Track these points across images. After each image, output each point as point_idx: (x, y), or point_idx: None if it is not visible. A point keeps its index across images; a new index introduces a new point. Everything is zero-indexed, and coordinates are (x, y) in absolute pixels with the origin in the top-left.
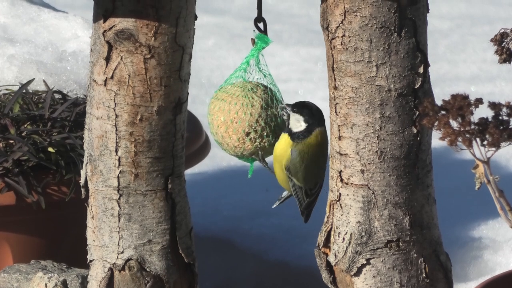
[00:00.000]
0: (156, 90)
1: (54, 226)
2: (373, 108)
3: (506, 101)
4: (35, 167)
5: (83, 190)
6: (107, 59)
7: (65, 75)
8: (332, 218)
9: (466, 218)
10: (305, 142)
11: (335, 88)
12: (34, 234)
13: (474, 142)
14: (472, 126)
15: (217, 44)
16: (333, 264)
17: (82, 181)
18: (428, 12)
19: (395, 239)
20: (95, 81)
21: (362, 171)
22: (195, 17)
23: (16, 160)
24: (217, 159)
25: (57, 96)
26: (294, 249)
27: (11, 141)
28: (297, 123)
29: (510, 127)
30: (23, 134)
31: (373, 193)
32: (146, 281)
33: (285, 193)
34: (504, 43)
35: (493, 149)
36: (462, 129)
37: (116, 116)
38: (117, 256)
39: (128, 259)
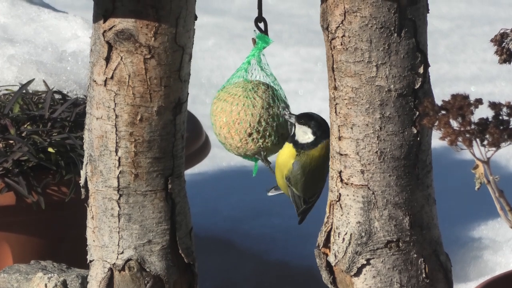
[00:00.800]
0: (156, 90)
1: (54, 226)
2: (373, 109)
3: (506, 101)
4: (35, 167)
5: (83, 190)
6: (107, 59)
7: (65, 75)
8: (332, 218)
9: (466, 218)
10: (309, 154)
11: (335, 88)
12: (34, 234)
13: (474, 142)
14: (472, 126)
15: (217, 44)
16: (333, 264)
17: (82, 182)
18: (428, 12)
19: (395, 240)
20: (95, 81)
21: (362, 171)
22: (195, 17)
23: (16, 160)
24: (217, 159)
25: (57, 96)
26: (294, 249)
27: (11, 141)
28: (305, 135)
29: (510, 127)
30: (23, 134)
31: (373, 193)
32: (146, 281)
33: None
34: (504, 43)
35: (493, 149)
36: (462, 129)
37: (116, 116)
38: (117, 256)
39: (128, 259)
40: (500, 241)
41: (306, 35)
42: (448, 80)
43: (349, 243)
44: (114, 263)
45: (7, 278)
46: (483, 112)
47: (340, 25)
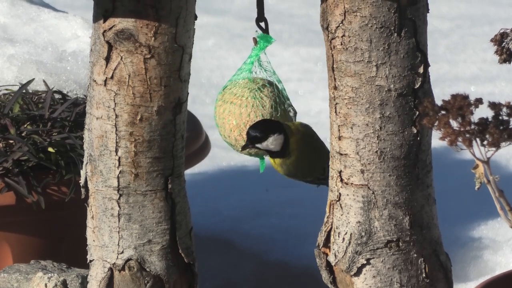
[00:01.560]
0: (156, 90)
1: (54, 226)
2: (373, 108)
3: (506, 101)
4: (35, 167)
5: (83, 190)
6: (107, 59)
7: (65, 75)
8: (332, 218)
9: (466, 218)
10: (292, 149)
11: (335, 88)
12: (34, 234)
13: (474, 142)
14: (472, 126)
15: (217, 44)
16: (333, 264)
17: (82, 181)
18: (428, 12)
19: (395, 239)
20: (95, 81)
21: (362, 171)
22: (195, 17)
23: (16, 160)
24: (217, 159)
25: (57, 96)
26: (294, 249)
27: (11, 141)
28: (271, 146)
29: (510, 127)
30: (23, 134)
31: (373, 193)
32: (146, 281)
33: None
34: (504, 43)
35: (493, 149)
36: (462, 129)
37: (116, 116)
38: (117, 256)
39: (128, 259)
40: (500, 241)
41: (306, 35)
42: (448, 80)
43: (349, 242)
44: (114, 263)
45: (7, 278)
46: (483, 112)
47: (340, 25)
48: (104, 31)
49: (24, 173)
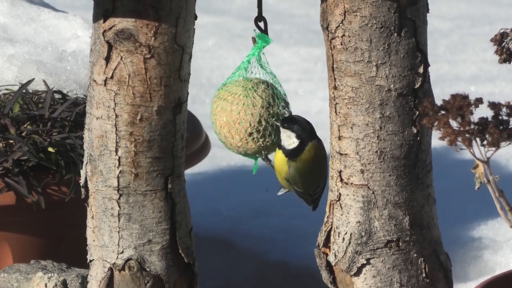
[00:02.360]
0: (156, 90)
1: (54, 226)
2: (373, 108)
3: (506, 101)
4: (35, 167)
5: (83, 190)
6: (107, 59)
7: (65, 75)
8: (332, 218)
9: (466, 218)
10: (300, 159)
11: (335, 88)
12: (34, 234)
13: (474, 142)
14: (472, 126)
15: (217, 44)
16: (333, 264)
17: (82, 181)
18: (428, 12)
19: (395, 239)
20: (95, 81)
21: (362, 171)
22: (195, 17)
23: (16, 160)
24: (217, 159)
25: (57, 96)
26: (294, 249)
27: (11, 141)
28: (289, 140)
29: (510, 127)
30: (23, 134)
31: (373, 193)
32: (146, 281)
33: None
34: (504, 43)
35: (493, 149)
36: (462, 129)
37: (116, 116)
38: (117, 256)
39: (128, 259)
40: (500, 241)
41: (306, 35)
42: (448, 80)
43: (349, 242)
44: (114, 262)
45: (7, 278)
46: (483, 112)
47: (340, 24)
48: (104, 31)
49: (24, 173)
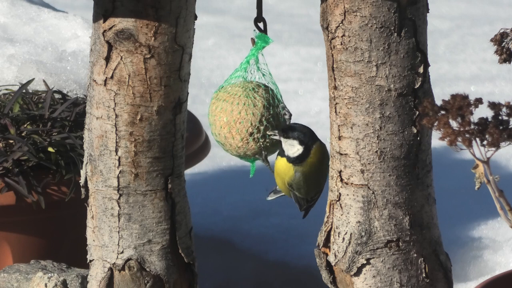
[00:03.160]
0: (156, 90)
1: (54, 226)
2: (373, 108)
3: (506, 101)
4: (35, 167)
5: (83, 190)
6: (107, 59)
7: (65, 75)
8: (332, 218)
9: (466, 218)
10: (307, 163)
11: (335, 88)
12: (34, 234)
13: (474, 142)
14: (472, 126)
15: (217, 44)
16: (333, 264)
17: (82, 181)
18: (428, 12)
19: (395, 239)
20: (95, 81)
21: (362, 171)
22: (195, 17)
23: (16, 160)
24: (217, 159)
25: (57, 96)
26: (293, 249)
27: (11, 141)
28: (293, 148)
29: (510, 127)
30: (23, 134)
31: (373, 193)
32: (146, 281)
33: (278, 187)
34: (504, 43)
35: (493, 149)
36: (462, 129)
37: (116, 116)
38: (117, 256)
39: (128, 259)
40: (500, 240)
41: (306, 35)
42: (448, 80)
43: (349, 242)
44: (114, 262)
45: (7, 278)
46: (483, 112)
47: (340, 24)
48: (104, 31)
49: (24, 173)
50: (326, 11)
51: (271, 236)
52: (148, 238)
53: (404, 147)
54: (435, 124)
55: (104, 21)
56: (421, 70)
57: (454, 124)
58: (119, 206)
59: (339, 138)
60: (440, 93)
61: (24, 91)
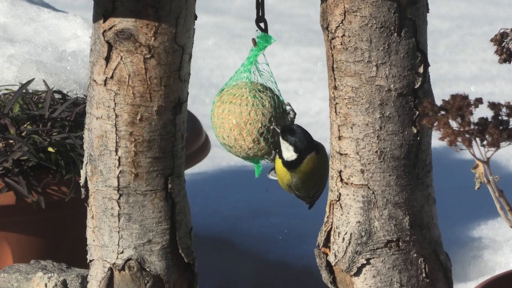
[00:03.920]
0: (156, 90)
1: (54, 226)
2: (373, 108)
3: (506, 101)
4: (35, 167)
5: (83, 190)
6: (107, 59)
7: (65, 75)
8: (332, 218)
9: (466, 218)
10: (300, 170)
11: (335, 88)
12: (34, 234)
13: (474, 142)
14: (472, 126)
15: (217, 44)
16: (333, 264)
17: (82, 181)
18: (428, 12)
19: (395, 239)
20: (95, 81)
21: (362, 171)
22: (195, 17)
23: (16, 160)
24: (217, 159)
25: (57, 96)
26: (293, 249)
27: (11, 141)
28: (288, 152)
29: (510, 127)
30: (23, 134)
31: (373, 193)
32: (146, 281)
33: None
34: (504, 43)
35: (493, 149)
36: (461, 129)
37: (116, 116)
38: (117, 256)
39: (128, 259)
40: (500, 240)
41: (306, 35)
42: (448, 80)
43: (349, 242)
44: (114, 262)
45: (7, 278)
46: (483, 112)
47: (340, 24)
48: (104, 31)
49: (24, 173)
50: (326, 11)
51: (271, 236)
52: (148, 238)
53: (404, 147)
54: (435, 124)
55: (104, 21)
56: (421, 70)
57: (454, 124)
58: (119, 206)
59: (339, 138)
60: (440, 93)
61: (24, 91)
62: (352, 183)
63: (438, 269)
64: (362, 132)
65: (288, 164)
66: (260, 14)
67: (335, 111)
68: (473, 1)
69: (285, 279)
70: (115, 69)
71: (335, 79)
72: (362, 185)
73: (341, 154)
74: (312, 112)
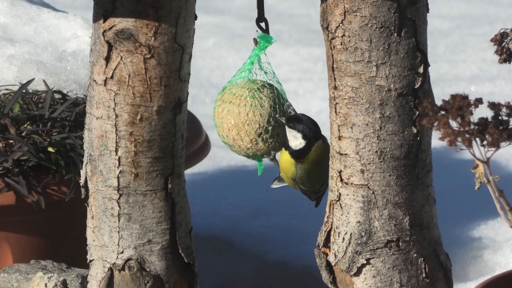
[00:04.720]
0: (156, 90)
1: (54, 226)
2: (373, 108)
3: (506, 101)
4: (35, 167)
5: (83, 190)
6: (107, 59)
7: (65, 75)
8: (332, 218)
9: (466, 218)
10: (308, 159)
11: (335, 88)
12: (34, 234)
13: (474, 142)
14: (472, 126)
15: (217, 44)
16: (333, 264)
17: (82, 181)
18: (428, 12)
19: (395, 239)
20: (95, 81)
21: (362, 171)
22: (195, 17)
23: (16, 160)
24: (217, 159)
25: (57, 96)
26: (293, 249)
27: (11, 141)
28: (296, 140)
29: (510, 127)
30: (23, 134)
31: (373, 193)
32: (146, 281)
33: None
34: (504, 43)
35: (493, 149)
36: (461, 129)
37: (116, 116)
38: (117, 256)
39: (128, 259)
40: (500, 240)
41: (306, 35)
42: (448, 80)
43: (349, 242)
44: (114, 262)
45: (7, 278)
46: (483, 112)
47: (340, 24)
48: (104, 31)
49: (24, 173)
50: (326, 11)
51: (271, 236)
52: (148, 238)
53: (404, 147)
54: (435, 124)
55: (104, 21)
56: (421, 70)
57: (454, 124)
58: (119, 206)
59: (339, 138)
60: (440, 93)
61: (24, 91)
62: (352, 183)
63: (438, 269)
64: (362, 132)
65: (296, 154)
66: (261, 14)
67: (335, 111)
68: (473, 1)
69: (285, 279)
70: (115, 69)
71: (335, 79)
72: (362, 185)
73: (341, 154)
74: (312, 112)
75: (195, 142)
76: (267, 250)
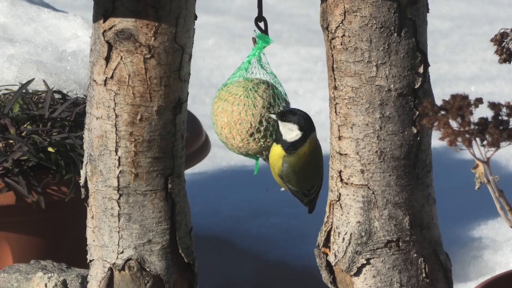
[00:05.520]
0: (156, 90)
1: (54, 226)
2: (373, 108)
3: (506, 101)
4: (35, 167)
5: (83, 190)
6: (107, 59)
7: (65, 75)
8: (332, 218)
9: (466, 218)
10: (299, 152)
11: (335, 88)
12: (34, 234)
13: (474, 142)
14: (472, 126)
15: (217, 44)
16: (333, 264)
17: (82, 181)
18: (428, 12)
19: (395, 239)
20: (95, 81)
21: (362, 171)
22: (195, 17)
23: (16, 160)
24: (217, 159)
25: (57, 96)
26: (293, 249)
27: (11, 141)
28: (291, 133)
29: (510, 127)
30: (23, 134)
31: (373, 193)
32: (146, 281)
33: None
34: (504, 43)
35: (493, 149)
36: (461, 129)
37: (116, 116)
38: (117, 256)
39: (128, 259)
40: (500, 240)
41: (306, 35)
42: (448, 80)
43: (349, 242)
44: (114, 262)
45: (7, 278)
46: (483, 112)
47: (340, 24)
48: (104, 31)
49: (24, 173)
50: (326, 11)
51: (271, 236)
52: (148, 238)
53: (404, 147)
54: (435, 124)
55: (104, 21)
56: (421, 70)
57: (454, 124)
58: (119, 206)
59: (339, 138)
60: (440, 93)
61: (24, 91)
62: (352, 183)
63: (438, 269)
64: (362, 132)
65: (288, 146)
66: (260, 14)
67: (335, 111)
68: (473, 1)
69: (285, 279)
70: (115, 69)
71: (335, 79)
72: (362, 185)
73: (341, 154)
74: (312, 112)
75: (195, 142)
76: (267, 250)
